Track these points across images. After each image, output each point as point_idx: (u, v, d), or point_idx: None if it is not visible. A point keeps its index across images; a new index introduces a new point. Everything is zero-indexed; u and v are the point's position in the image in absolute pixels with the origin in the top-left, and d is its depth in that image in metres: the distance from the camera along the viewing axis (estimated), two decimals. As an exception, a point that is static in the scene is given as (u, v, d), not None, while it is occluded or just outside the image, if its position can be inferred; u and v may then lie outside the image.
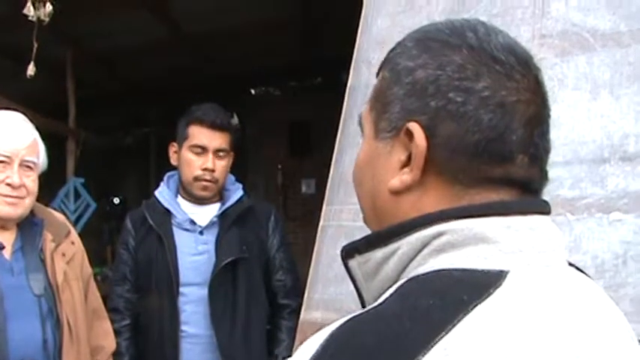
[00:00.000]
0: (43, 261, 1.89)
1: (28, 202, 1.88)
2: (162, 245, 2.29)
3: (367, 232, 0.76)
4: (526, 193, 0.68)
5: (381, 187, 0.72)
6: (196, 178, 2.32)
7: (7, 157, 1.82)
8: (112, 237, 7.28)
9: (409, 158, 0.68)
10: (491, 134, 0.65)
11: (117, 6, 4.66)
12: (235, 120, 6.34)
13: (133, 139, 8.49)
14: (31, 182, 1.88)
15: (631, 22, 1.57)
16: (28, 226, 1.92)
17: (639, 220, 1.44)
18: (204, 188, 2.33)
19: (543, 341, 0.57)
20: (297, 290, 2.39)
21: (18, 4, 3.16)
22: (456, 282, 0.61)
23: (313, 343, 0.59)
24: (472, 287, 0.59)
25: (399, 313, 0.59)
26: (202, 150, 2.32)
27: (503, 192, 0.67)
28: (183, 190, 2.39)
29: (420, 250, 0.65)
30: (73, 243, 2.01)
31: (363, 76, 1.84)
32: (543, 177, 0.70)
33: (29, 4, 3.08)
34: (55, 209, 2.30)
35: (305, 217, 6.89)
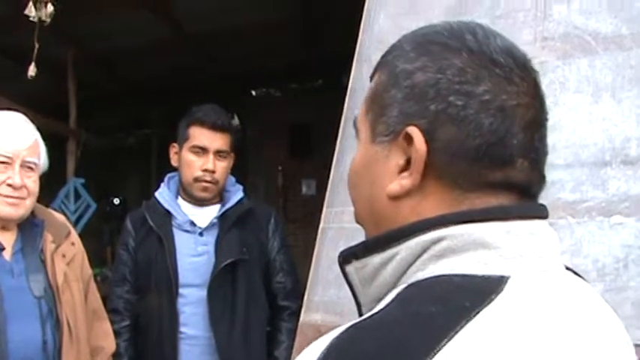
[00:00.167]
0: (43, 262, 1.89)
1: (29, 203, 1.88)
2: (162, 246, 2.29)
3: (368, 234, 0.76)
4: (525, 198, 0.68)
5: (378, 192, 0.70)
6: (197, 179, 2.32)
7: (9, 157, 1.82)
8: (112, 238, 7.27)
9: (408, 162, 0.67)
10: (491, 138, 0.64)
11: (118, 6, 4.67)
12: (236, 121, 6.35)
13: (134, 139, 8.49)
14: (32, 183, 1.88)
15: (633, 26, 1.57)
16: (28, 227, 1.91)
17: (640, 223, 1.44)
18: (205, 189, 2.33)
19: (545, 348, 0.57)
20: (297, 292, 2.39)
21: (19, 4, 3.16)
22: (457, 288, 0.60)
23: (314, 350, 0.58)
24: (474, 293, 0.59)
25: (401, 320, 0.58)
26: (203, 151, 2.32)
27: (502, 196, 0.66)
28: (184, 191, 2.39)
29: (419, 256, 0.64)
30: (73, 244, 2.01)
31: (363, 77, 1.84)
32: (542, 181, 0.70)
33: (30, 4, 3.09)
34: (55, 210, 2.30)
35: (305, 218, 6.89)
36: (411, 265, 0.65)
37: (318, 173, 5.94)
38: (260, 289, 2.37)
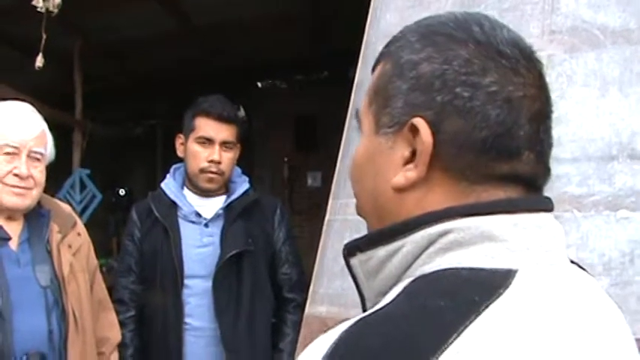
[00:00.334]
0: (49, 252, 1.89)
1: (36, 193, 1.89)
2: (168, 237, 2.29)
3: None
4: (531, 190, 0.68)
5: (383, 184, 0.70)
6: (202, 170, 2.32)
7: (16, 147, 1.83)
8: (118, 228, 7.30)
9: (413, 154, 0.67)
10: (498, 130, 0.64)
11: (126, -2, 4.67)
12: (242, 112, 6.35)
13: (140, 130, 8.50)
14: (39, 173, 1.88)
15: (641, 19, 1.56)
16: (35, 217, 1.92)
17: (647, 218, 1.43)
18: (210, 180, 2.33)
19: (554, 342, 0.57)
20: (303, 284, 2.39)
21: (27, -5, 3.16)
22: (465, 282, 0.60)
23: (323, 343, 0.58)
24: (482, 287, 0.58)
25: (408, 314, 0.58)
26: (209, 142, 2.32)
27: (509, 189, 0.66)
28: (189, 182, 2.39)
29: (425, 249, 0.64)
30: (79, 234, 2.01)
31: (370, 70, 1.83)
32: (547, 173, 0.70)
33: (38, -5, 3.09)
34: (60, 200, 2.31)
35: (311, 210, 6.90)
36: (416, 258, 0.64)
37: (323, 165, 5.93)
38: (265, 280, 2.37)
